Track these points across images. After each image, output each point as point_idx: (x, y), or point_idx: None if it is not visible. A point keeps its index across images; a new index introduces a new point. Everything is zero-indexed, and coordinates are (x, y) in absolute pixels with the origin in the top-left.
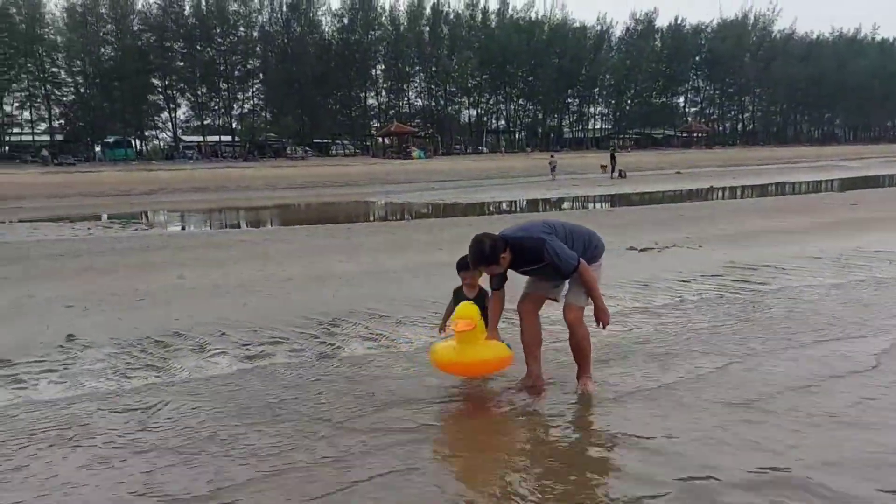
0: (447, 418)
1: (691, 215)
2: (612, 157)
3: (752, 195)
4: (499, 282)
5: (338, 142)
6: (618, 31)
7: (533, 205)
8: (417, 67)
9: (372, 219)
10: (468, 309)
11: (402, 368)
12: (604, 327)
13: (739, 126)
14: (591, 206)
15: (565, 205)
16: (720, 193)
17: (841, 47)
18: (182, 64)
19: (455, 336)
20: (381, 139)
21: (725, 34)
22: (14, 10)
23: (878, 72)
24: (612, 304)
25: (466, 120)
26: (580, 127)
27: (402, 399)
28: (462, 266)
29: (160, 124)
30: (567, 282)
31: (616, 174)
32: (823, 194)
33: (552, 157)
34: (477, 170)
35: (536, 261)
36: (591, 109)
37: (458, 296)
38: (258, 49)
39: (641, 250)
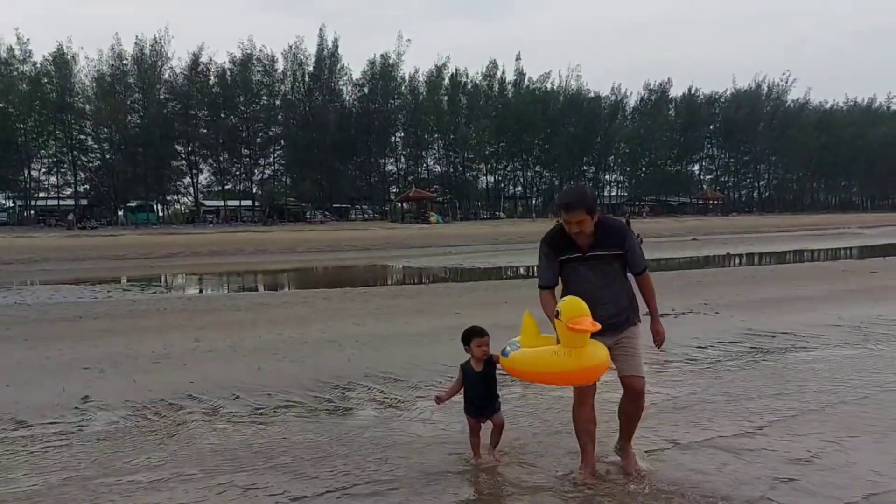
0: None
1: (708, 281)
2: (627, 224)
3: (770, 262)
4: (551, 276)
5: (357, 206)
6: (632, 101)
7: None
8: (436, 135)
9: (390, 283)
10: (577, 302)
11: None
12: (660, 345)
13: (755, 194)
14: None
15: None
16: (737, 260)
17: (856, 116)
18: (205, 131)
19: (566, 339)
20: (399, 204)
21: (739, 103)
22: (46, 80)
23: (894, 140)
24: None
25: (484, 186)
26: (596, 194)
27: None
28: (470, 335)
29: (182, 189)
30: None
31: None
32: (843, 262)
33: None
34: (493, 235)
35: (616, 245)
36: (607, 177)
37: (466, 370)
38: (280, 117)
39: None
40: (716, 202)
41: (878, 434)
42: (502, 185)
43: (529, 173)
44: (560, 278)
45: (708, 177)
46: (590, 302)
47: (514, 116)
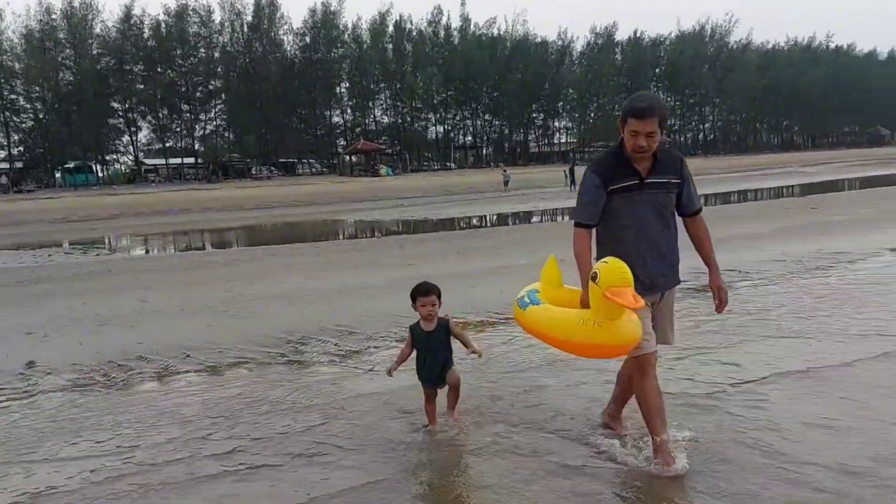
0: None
1: None
2: (571, 172)
3: (716, 203)
4: (594, 211)
5: (304, 161)
6: (579, 46)
7: (502, 219)
8: (382, 84)
9: (341, 237)
10: (620, 267)
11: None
12: (721, 307)
13: (701, 136)
14: (558, 218)
15: (534, 218)
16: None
17: (796, 56)
18: (142, 87)
19: (599, 307)
20: (348, 157)
21: (683, 46)
22: None
23: (833, 80)
24: None
25: (433, 136)
26: (546, 141)
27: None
28: (415, 293)
29: (121, 148)
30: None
31: (572, 187)
32: (785, 200)
33: (504, 170)
34: (445, 186)
35: (675, 171)
36: (557, 123)
37: (415, 332)
38: (219, 70)
39: None
40: (663, 146)
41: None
42: (452, 134)
43: (479, 122)
44: (603, 217)
45: None
46: (647, 246)
47: (461, 64)
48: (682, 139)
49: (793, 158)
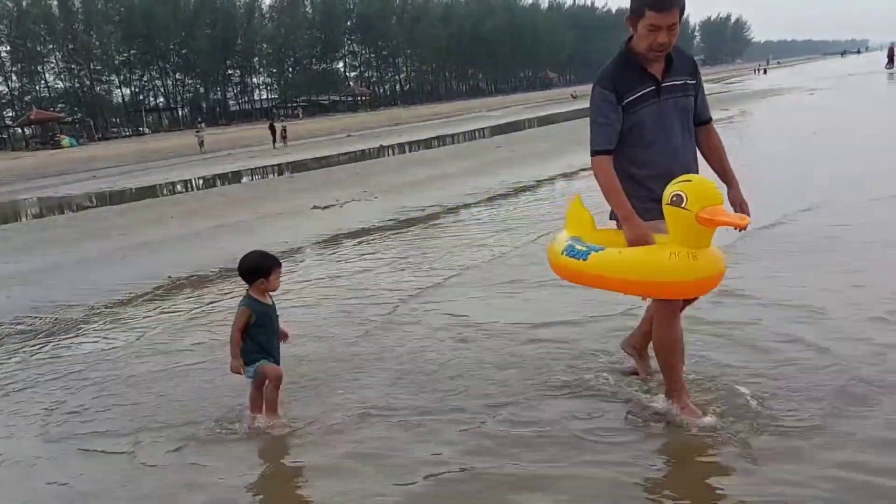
0: None
1: (366, 172)
2: (272, 128)
3: (417, 149)
4: (611, 133)
5: None
6: (267, 0)
7: (209, 182)
8: (51, 46)
9: (29, 218)
10: (706, 185)
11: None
12: (745, 225)
13: (398, 87)
14: (269, 175)
15: (241, 178)
16: (390, 151)
17: (474, 7)
18: None
19: (689, 234)
20: (20, 129)
21: None
22: None
23: (507, 28)
24: (308, 258)
25: (121, 100)
26: (246, 99)
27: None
28: (270, 265)
29: None
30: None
31: (281, 143)
32: (474, 142)
33: (197, 131)
34: (140, 152)
35: (689, 72)
36: (254, 79)
37: (258, 309)
38: None
39: (324, 208)
40: (364, 98)
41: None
42: (141, 97)
43: (170, 82)
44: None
45: (353, 73)
46: (674, 161)
47: (141, 20)
48: (380, 90)
49: (480, 104)
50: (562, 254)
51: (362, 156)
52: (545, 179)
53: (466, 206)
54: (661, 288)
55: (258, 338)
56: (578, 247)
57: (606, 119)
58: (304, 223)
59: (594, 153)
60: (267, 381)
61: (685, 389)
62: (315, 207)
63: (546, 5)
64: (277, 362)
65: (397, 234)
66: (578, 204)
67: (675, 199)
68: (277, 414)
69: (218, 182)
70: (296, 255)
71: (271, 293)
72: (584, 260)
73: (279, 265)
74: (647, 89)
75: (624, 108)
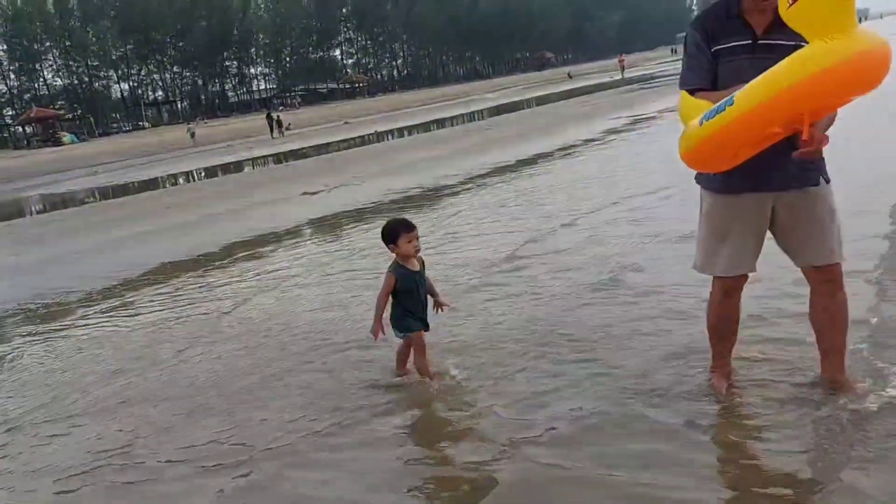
0: None
1: (357, 158)
2: (269, 118)
3: (413, 133)
4: (699, 74)
5: None
6: None
7: (210, 172)
8: (48, 43)
9: (34, 213)
10: None
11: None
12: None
13: (395, 73)
14: (265, 165)
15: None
16: (387, 136)
17: None
18: None
19: (823, 17)
20: (21, 128)
21: None
22: None
23: (502, 9)
24: (293, 241)
25: (119, 95)
26: (244, 89)
27: None
28: (397, 230)
29: None
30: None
31: (279, 134)
32: (468, 124)
33: (189, 125)
34: (140, 147)
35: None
36: (253, 70)
37: (403, 275)
38: None
39: (314, 193)
40: (361, 84)
41: None
42: (140, 91)
43: (168, 75)
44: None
45: (350, 61)
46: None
47: (137, 13)
48: (378, 77)
49: (478, 87)
50: (700, 125)
51: (357, 143)
52: (523, 161)
53: (449, 186)
54: (829, 79)
55: (405, 303)
56: (710, 112)
57: (696, 60)
58: (290, 209)
59: (683, 92)
60: (413, 348)
61: (724, 370)
62: (305, 193)
63: None
64: (426, 326)
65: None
66: (688, 96)
67: None
68: (430, 374)
69: (219, 172)
70: (282, 239)
71: (414, 258)
72: (731, 105)
73: (408, 230)
74: (741, 42)
75: (714, 55)
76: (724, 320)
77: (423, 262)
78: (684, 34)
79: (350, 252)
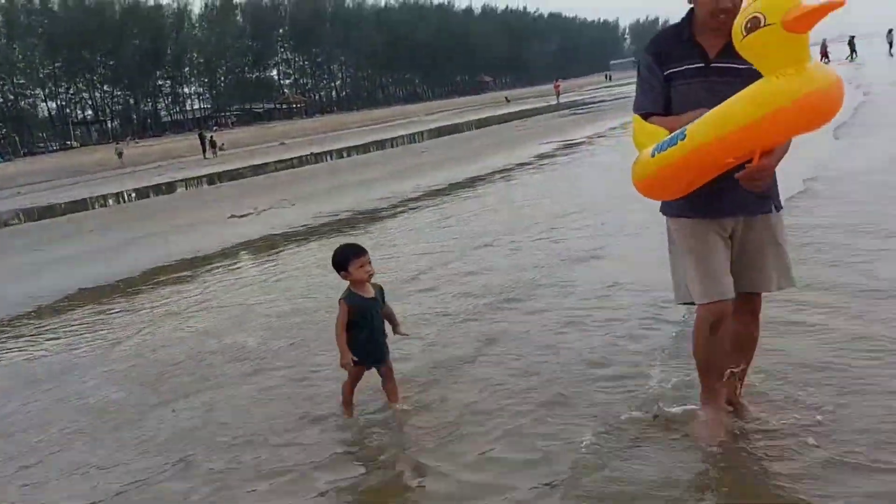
0: None
1: (289, 180)
2: (202, 138)
3: (351, 155)
4: (651, 98)
5: None
6: (196, 9)
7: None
8: None
9: None
10: None
11: None
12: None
13: (334, 94)
14: (194, 186)
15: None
16: (324, 158)
17: (406, 13)
18: None
19: (783, 51)
20: None
21: (302, 5)
22: None
23: (440, 34)
24: (219, 266)
25: (47, 114)
26: (178, 108)
27: None
28: (346, 255)
29: None
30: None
31: (211, 154)
32: (405, 147)
33: (117, 145)
34: (68, 166)
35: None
36: (186, 89)
37: (358, 303)
38: None
39: (241, 216)
40: (299, 105)
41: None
42: (68, 110)
43: (98, 94)
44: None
45: (287, 81)
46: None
47: (65, 31)
48: (316, 97)
49: (417, 109)
50: (652, 156)
51: (291, 164)
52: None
53: (379, 210)
54: (767, 125)
55: (358, 335)
56: (664, 143)
57: (649, 84)
58: (217, 230)
59: (636, 115)
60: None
61: (715, 400)
62: (232, 217)
63: (479, 11)
64: (376, 359)
65: (306, 240)
66: (641, 121)
67: (750, 24)
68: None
69: (150, 193)
70: (204, 264)
71: (368, 283)
72: (682, 140)
73: (357, 255)
74: (693, 65)
75: (666, 79)
76: (714, 354)
77: (380, 288)
78: (615, 61)
79: (272, 275)
